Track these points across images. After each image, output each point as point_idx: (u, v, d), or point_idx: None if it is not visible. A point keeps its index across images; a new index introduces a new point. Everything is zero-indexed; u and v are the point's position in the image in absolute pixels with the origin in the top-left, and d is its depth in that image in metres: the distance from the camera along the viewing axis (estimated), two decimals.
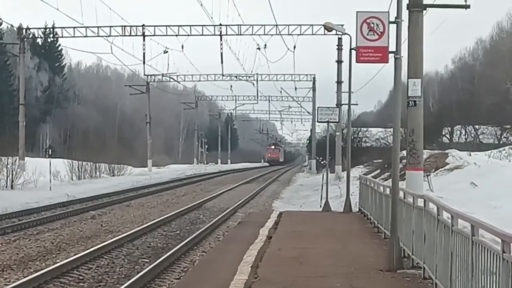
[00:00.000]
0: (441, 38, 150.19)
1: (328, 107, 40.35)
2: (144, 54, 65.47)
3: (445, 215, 12.76)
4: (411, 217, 16.75)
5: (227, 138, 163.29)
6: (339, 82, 62.84)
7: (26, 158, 60.54)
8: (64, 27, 66.63)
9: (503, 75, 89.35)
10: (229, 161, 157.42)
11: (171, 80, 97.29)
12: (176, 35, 64.81)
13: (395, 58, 18.09)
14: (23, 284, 16.73)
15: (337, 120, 41.98)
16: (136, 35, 64.12)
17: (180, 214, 35.31)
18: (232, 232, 26.53)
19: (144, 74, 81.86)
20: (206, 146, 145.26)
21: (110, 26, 62.99)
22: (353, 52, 24.91)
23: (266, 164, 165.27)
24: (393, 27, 18.63)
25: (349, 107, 41.16)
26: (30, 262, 21.00)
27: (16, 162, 50.92)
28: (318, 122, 42.95)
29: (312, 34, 62.78)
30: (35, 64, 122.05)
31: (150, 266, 19.10)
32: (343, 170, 56.28)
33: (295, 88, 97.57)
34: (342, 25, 40.29)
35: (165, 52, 69.76)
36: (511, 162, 42.13)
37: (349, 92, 38.51)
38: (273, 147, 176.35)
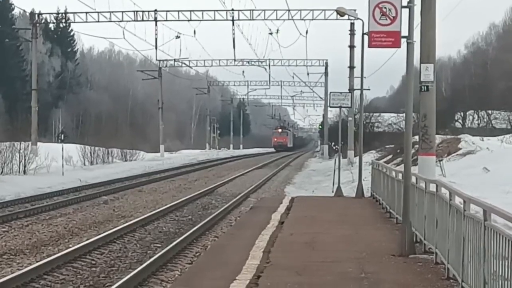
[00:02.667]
0: (454, 23, 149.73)
1: (340, 92, 40.27)
2: (156, 39, 65.59)
3: (457, 200, 12.74)
4: (423, 202, 16.73)
5: (239, 124, 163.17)
6: (351, 67, 62.76)
7: (39, 143, 60.68)
8: (76, 12, 66.81)
9: None
10: (241, 146, 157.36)
11: (183, 65, 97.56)
12: (188, 20, 64.73)
13: (408, 43, 18.04)
14: (36, 268, 16.79)
15: (349, 105, 41.89)
16: (149, 20, 64.15)
17: (192, 199, 35.34)
18: (244, 217, 26.55)
19: (156, 59, 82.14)
20: (218, 132, 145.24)
21: (122, 11, 63.01)
22: (366, 37, 24.81)
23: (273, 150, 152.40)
24: (405, 12, 18.58)
25: (362, 92, 41.08)
26: (43, 247, 21.06)
27: (29, 147, 51.03)
28: (330, 107, 42.72)
29: (325, 19, 62.67)
30: (48, 49, 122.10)
31: (162, 251, 19.12)
32: (355, 156, 56.30)
33: (307, 73, 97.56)
34: (355, 10, 40.19)
35: (177, 37, 69.81)
36: None
37: (362, 77, 38.43)
38: (280, 130, 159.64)
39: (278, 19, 63.83)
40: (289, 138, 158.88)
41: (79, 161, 61.25)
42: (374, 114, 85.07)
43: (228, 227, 25.21)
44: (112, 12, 62.54)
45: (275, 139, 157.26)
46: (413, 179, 18.08)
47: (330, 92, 39.23)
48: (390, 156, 50.93)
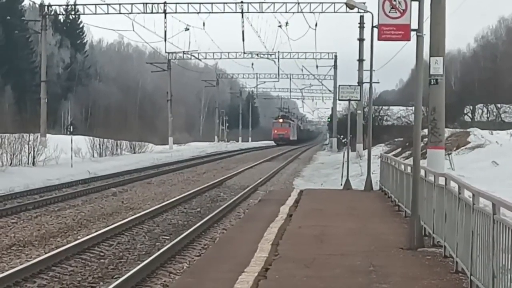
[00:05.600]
0: (463, 17, 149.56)
1: (349, 85, 40.35)
2: (165, 31, 65.72)
3: (466, 194, 12.73)
4: (432, 196, 16.72)
5: (248, 116, 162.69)
6: (360, 60, 62.70)
7: (48, 135, 60.77)
8: (85, 4, 66.92)
9: None
10: (250, 139, 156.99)
11: (192, 57, 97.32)
12: (198, 13, 64.81)
13: (417, 36, 18.02)
14: (44, 260, 16.83)
15: (358, 98, 42.04)
16: (158, 13, 64.23)
17: (201, 192, 35.38)
18: (252, 210, 26.56)
19: (166, 52, 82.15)
20: (227, 124, 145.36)
21: (132, 4, 63.12)
22: (375, 30, 24.72)
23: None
24: (415, 5, 18.56)
25: (371, 86, 40.96)
26: (51, 239, 21.11)
27: (38, 139, 51.12)
28: (339, 100, 42.86)
29: (334, 12, 62.72)
30: (57, 41, 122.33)
31: (171, 243, 19.14)
32: (364, 149, 56.31)
33: (317, 66, 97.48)
34: (364, 3, 40.20)
35: (187, 29, 69.97)
36: None
37: (371, 70, 38.31)
38: (281, 120, 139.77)
39: (288, 12, 63.96)
40: (292, 130, 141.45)
41: (88, 153, 61.35)
42: (383, 107, 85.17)
43: (237, 219, 25.24)
44: (122, 4, 62.66)
45: (275, 131, 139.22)
46: (422, 173, 18.09)
47: (339, 85, 39.30)
48: (399, 150, 50.89)
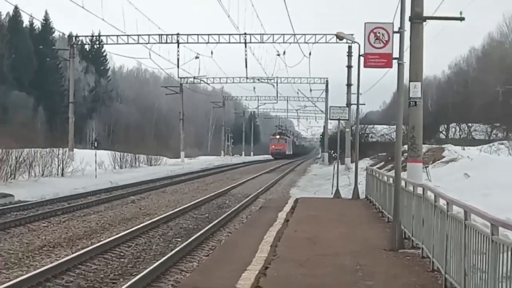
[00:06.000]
0: (439, 47, 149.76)
1: (339, 107, 40.31)
2: (178, 59, 65.72)
3: (442, 202, 12.74)
4: (411, 204, 16.73)
5: (250, 134, 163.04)
6: (348, 85, 62.63)
7: (75, 150, 60.74)
8: (108, 35, 67.08)
9: (493, 79, 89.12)
10: (251, 153, 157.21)
11: (202, 82, 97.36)
12: (206, 43, 64.98)
13: (398, 64, 18.06)
14: (72, 259, 16.83)
15: (347, 118, 42.07)
16: (172, 43, 64.34)
17: (209, 200, 35.37)
18: (254, 216, 26.56)
19: (178, 77, 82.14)
20: (232, 140, 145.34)
21: (149, 35, 63.28)
22: (362, 58, 24.78)
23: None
24: (396, 36, 18.63)
25: (358, 107, 41.06)
26: (78, 240, 21.11)
27: (66, 153, 51.21)
28: (330, 119, 42.76)
29: (326, 43, 62.80)
30: (83, 67, 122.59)
31: (182, 245, 19.14)
32: (352, 162, 56.14)
33: (310, 90, 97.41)
34: (352, 34, 40.09)
35: (197, 57, 70.03)
36: (500, 156, 42.00)
37: (358, 93, 38.41)
38: (278, 137, 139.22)
39: (285, 42, 64.07)
40: (288, 145, 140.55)
41: (110, 165, 61.34)
42: (369, 126, 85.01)
43: (240, 224, 25.22)
44: (140, 35, 62.79)
45: (273, 146, 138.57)
46: (403, 183, 18.10)
47: (330, 106, 39.26)
48: (382, 163, 50.82)
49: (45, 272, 15.21)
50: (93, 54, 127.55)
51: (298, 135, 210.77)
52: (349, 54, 63.67)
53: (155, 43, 63.95)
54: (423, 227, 14.80)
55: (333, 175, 39.74)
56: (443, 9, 26.89)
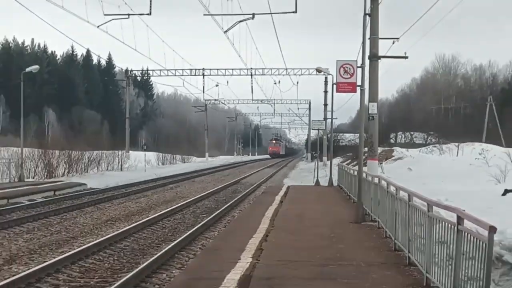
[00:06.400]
0: (390, 77, 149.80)
1: (319, 120, 40.48)
2: (203, 86, 65.94)
3: (392, 188, 12.73)
4: (370, 189, 16.72)
5: (255, 140, 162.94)
6: (325, 104, 62.39)
7: (130, 152, 60.86)
8: (153, 70, 67.41)
9: (428, 101, 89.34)
10: (256, 153, 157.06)
11: (220, 103, 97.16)
12: (224, 75, 65.28)
13: (361, 90, 18.05)
14: (128, 230, 16.89)
15: (324, 128, 42.17)
16: (199, 75, 64.48)
17: (225, 187, 35.44)
18: (258, 198, 26.58)
19: (203, 99, 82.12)
20: (242, 144, 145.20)
21: (182, 69, 63.32)
22: (334, 86, 24.82)
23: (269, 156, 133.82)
24: (359, 70, 18.62)
25: (332, 120, 41.17)
26: (132, 216, 21.18)
27: (124, 154, 51.34)
28: (312, 129, 42.89)
29: (309, 74, 62.69)
30: (136, 92, 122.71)
31: (207, 219, 19.21)
32: (327, 160, 56.22)
33: (298, 108, 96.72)
34: (328, 69, 40.08)
35: (217, 85, 70.10)
36: (433, 156, 42.01)
37: (332, 110, 38.48)
38: (274, 141, 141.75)
39: (279, 74, 64.10)
40: (281, 148, 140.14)
41: (155, 162, 61.48)
42: (339, 134, 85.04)
43: (248, 204, 25.24)
44: (176, 69, 62.86)
45: (270, 148, 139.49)
46: (364, 175, 18.09)
47: (312, 120, 39.47)
48: (349, 160, 50.80)
49: (110, 238, 15.26)
50: (143, 83, 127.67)
51: (289, 140, 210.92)
52: (326, 82, 63.36)
53: (186, 75, 64.10)
54: (379, 206, 14.80)
55: (314, 169, 39.79)
56: (393, 50, 26.94)
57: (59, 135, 70.65)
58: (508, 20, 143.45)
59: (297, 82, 67.47)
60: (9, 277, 11.07)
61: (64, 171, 39.40)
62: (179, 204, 24.11)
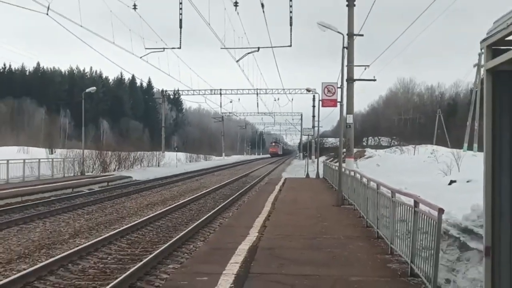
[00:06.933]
0: (362, 94, 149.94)
1: (308, 128, 40.45)
2: (221, 103, 65.75)
3: (364, 180, 12.70)
4: (347, 180, 16.69)
5: (260, 143, 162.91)
6: (313, 116, 61.47)
7: (165, 152, 61.00)
8: (183, 90, 68.03)
9: (392, 113, 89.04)
10: (261, 153, 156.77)
11: (233, 115, 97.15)
12: (236, 93, 65.21)
13: (340, 105, 18.06)
14: (164, 211, 16.90)
15: (312, 134, 42.01)
16: (217, 94, 64.50)
17: (238, 179, 35.41)
18: (262, 187, 26.55)
19: (221, 113, 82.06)
20: (250, 146, 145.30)
21: (205, 90, 63.52)
22: (320, 102, 24.78)
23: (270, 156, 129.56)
24: (339, 90, 18.63)
25: (318, 128, 41.24)
26: (167, 201, 21.18)
27: (160, 154, 51.37)
28: (303, 135, 42.86)
29: (301, 93, 62.65)
30: (169, 107, 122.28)
31: (223, 203, 19.20)
32: (315, 158, 56.04)
33: (292, 119, 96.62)
34: (315, 89, 40.16)
35: (231, 101, 70.07)
36: (396, 155, 41.85)
37: (318, 120, 38.62)
38: (274, 144, 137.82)
39: (278, 93, 64.17)
40: (279, 149, 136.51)
41: (184, 160, 61.51)
42: (324, 138, 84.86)
43: (254, 192, 25.20)
44: (200, 90, 63.13)
45: (271, 149, 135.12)
46: (343, 169, 18.06)
47: (303, 128, 39.47)
48: (331, 159, 50.74)
49: (149, 218, 15.27)
50: (174, 100, 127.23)
51: (286, 143, 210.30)
52: (314, 99, 63.16)
53: (208, 94, 64.16)
54: (354, 193, 14.77)
55: (305, 165, 39.73)
56: (365, 74, 26.89)
57: (111, 140, 70.84)
58: (451, 54, 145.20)
59: (292, 99, 69.38)
60: (74, 247, 11.13)
61: (115, 167, 39.46)
62: (202, 192, 24.12)
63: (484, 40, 5.13)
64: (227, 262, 8.10)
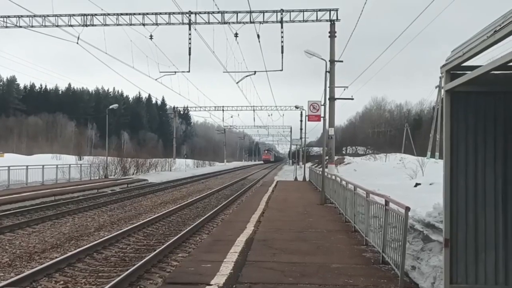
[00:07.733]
0: (342, 111, 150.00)
1: (297, 139, 40.41)
2: (223, 118, 65.81)
3: (343, 182, 12.70)
4: (329, 183, 16.68)
5: (256, 151, 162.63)
6: (301, 129, 61.54)
7: (176, 159, 60.88)
8: (191, 106, 67.34)
9: (367, 126, 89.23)
10: (256, 160, 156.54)
11: (234, 128, 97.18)
12: (236, 110, 64.80)
13: (324, 119, 18.08)
14: (174, 209, 16.81)
15: (300, 144, 41.91)
16: (220, 110, 64.47)
17: (237, 181, 35.28)
18: (257, 189, 26.46)
19: (223, 126, 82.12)
20: (247, 154, 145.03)
21: (209, 106, 63.81)
22: (307, 117, 24.85)
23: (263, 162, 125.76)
24: (323, 107, 18.65)
25: (304, 139, 41.24)
26: (177, 200, 21.07)
27: (172, 160, 51.21)
28: (292, 145, 42.87)
29: (290, 110, 62.47)
30: (180, 121, 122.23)
31: (224, 202, 19.12)
32: (302, 164, 56.00)
33: (283, 131, 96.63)
34: (302, 106, 40.28)
35: (231, 116, 70.41)
36: (370, 161, 41.87)
37: (305, 133, 38.69)
38: (266, 151, 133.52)
39: (271, 110, 63.57)
40: (272, 156, 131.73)
41: (192, 166, 61.31)
42: (310, 147, 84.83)
43: (251, 192, 25.11)
44: (205, 106, 63.48)
45: (264, 156, 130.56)
46: (326, 174, 18.05)
47: (293, 139, 39.42)
48: (316, 164, 50.71)
49: (163, 214, 15.19)
50: (184, 115, 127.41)
51: (278, 151, 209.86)
52: (301, 115, 63.39)
53: (212, 110, 64.11)
54: (335, 193, 14.75)
55: (294, 170, 39.66)
56: (344, 94, 26.98)
57: (130, 149, 70.60)
58: (417, 74, 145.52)
59: (283, 114, 68.13)
60: (98, 239, 11.08)
61: (134, 171, 39.33)
62: (207, 193, 24.04)
63: (443, 65, 5.19)
64: (228, 251, 8.08)
